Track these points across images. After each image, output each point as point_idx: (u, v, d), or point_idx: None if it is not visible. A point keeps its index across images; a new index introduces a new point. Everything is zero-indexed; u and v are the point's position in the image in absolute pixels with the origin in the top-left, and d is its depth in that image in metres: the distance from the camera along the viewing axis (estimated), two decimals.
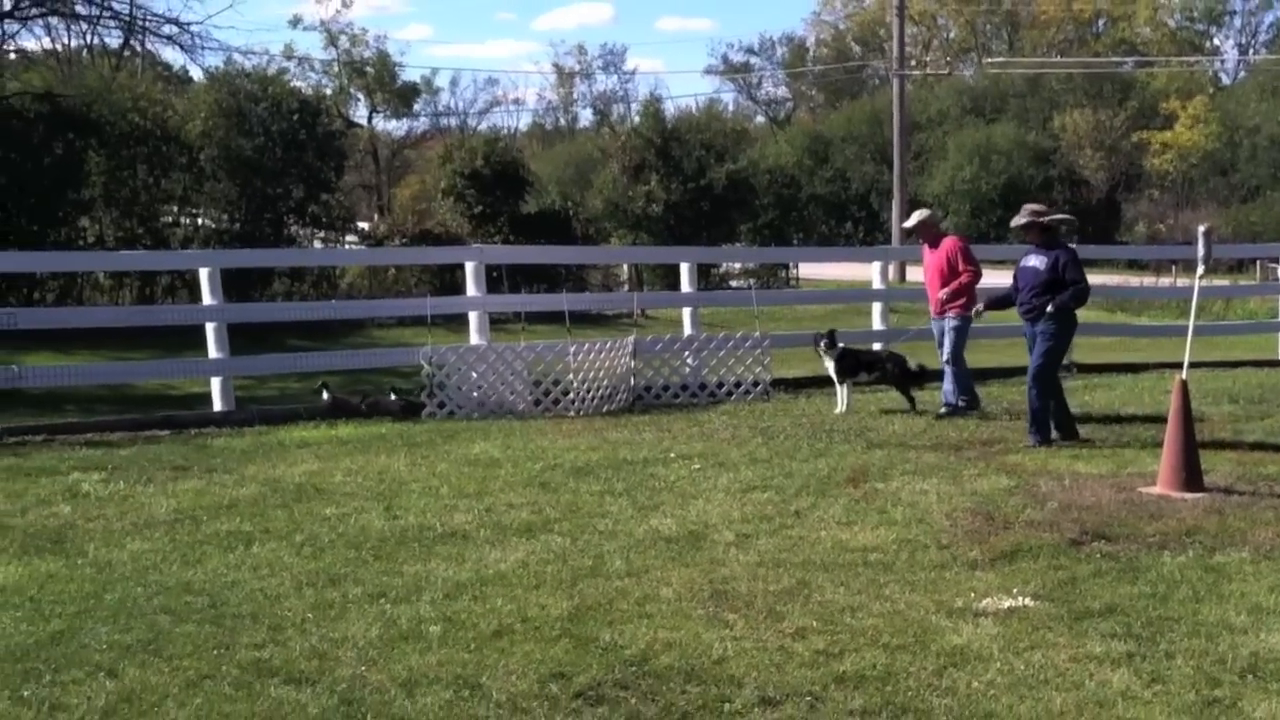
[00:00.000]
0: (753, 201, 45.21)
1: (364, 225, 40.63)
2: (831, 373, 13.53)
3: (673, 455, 10.88)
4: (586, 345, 13.99)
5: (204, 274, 13.79)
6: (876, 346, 15.27)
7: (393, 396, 13.81)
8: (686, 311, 15.93)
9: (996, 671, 5.58)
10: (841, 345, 13.63)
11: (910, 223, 13.87)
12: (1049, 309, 11.13)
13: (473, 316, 15.01)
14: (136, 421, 12.97)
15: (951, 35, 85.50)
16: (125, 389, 19.68)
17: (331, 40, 65.62)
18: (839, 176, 64.39)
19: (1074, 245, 12.23)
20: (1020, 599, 6.61)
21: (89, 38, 50.61)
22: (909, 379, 13.62)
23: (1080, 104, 62.66)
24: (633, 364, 14.18)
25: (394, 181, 67.27)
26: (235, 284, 22.89)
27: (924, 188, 58.14)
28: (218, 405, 13.62)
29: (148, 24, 23.99)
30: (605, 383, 13.84)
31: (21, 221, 29.14)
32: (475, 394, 13.59)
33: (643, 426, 12.51)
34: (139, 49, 46.13)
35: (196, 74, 41.75)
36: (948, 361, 13.13)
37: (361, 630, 6.10)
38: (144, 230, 31.42)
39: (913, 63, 59.19)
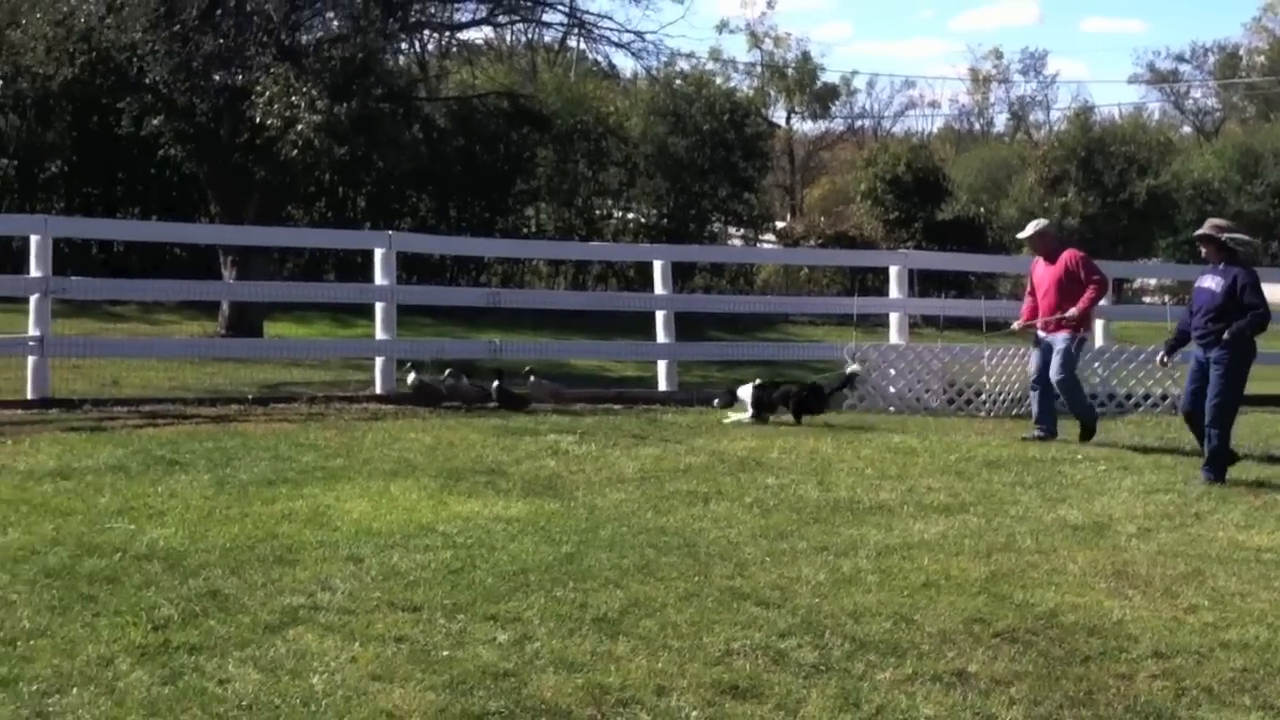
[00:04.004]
0: (1174, 217, 44.50)
1: (780, 224, 42.19)
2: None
3: (1080, 456, 11.75)
4: (1000, 350, 14.91)
5: (657, 266, 15.45)
6: None
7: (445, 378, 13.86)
8: (1099, 324, 16.60)
9: None
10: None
11: (1027, 232, 13.38)
12: (1225, 336, 10.62)
13: (894, 317, 16.13)
14: (594, 395, 14.74)
15: None
16: (564, 367, 21.66)
17: (755, 42, 67.45)
18: (1270, 193, 61.93)
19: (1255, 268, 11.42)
20: None
21: (531, 34, 53.99)
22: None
23: None
24: None
25: (807, 182, 68.72)
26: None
27: None
28: (663, 385, 15.27)
29: (602, 30, 26.05)
30: (1017, 387, 14.72)
31: (476, 208, 32.08)
32: (893, 390, 14.72)
33: None
34: (581, 48, 49.01)
35: (623, 69, 44.10)
36: (1058, 383, 12.64)
37: (811, 573, 7.37)
38: (580, 221, 33.87)
39: None
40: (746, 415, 13.29)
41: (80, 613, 6.26)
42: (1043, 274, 13.05)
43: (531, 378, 14.00)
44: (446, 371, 13.82)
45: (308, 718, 5.14)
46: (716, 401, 13.98)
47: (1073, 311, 12.64)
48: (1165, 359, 11.87)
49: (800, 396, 13.34)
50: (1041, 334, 12.95)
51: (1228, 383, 10.73)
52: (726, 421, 13.17)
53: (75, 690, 5.32)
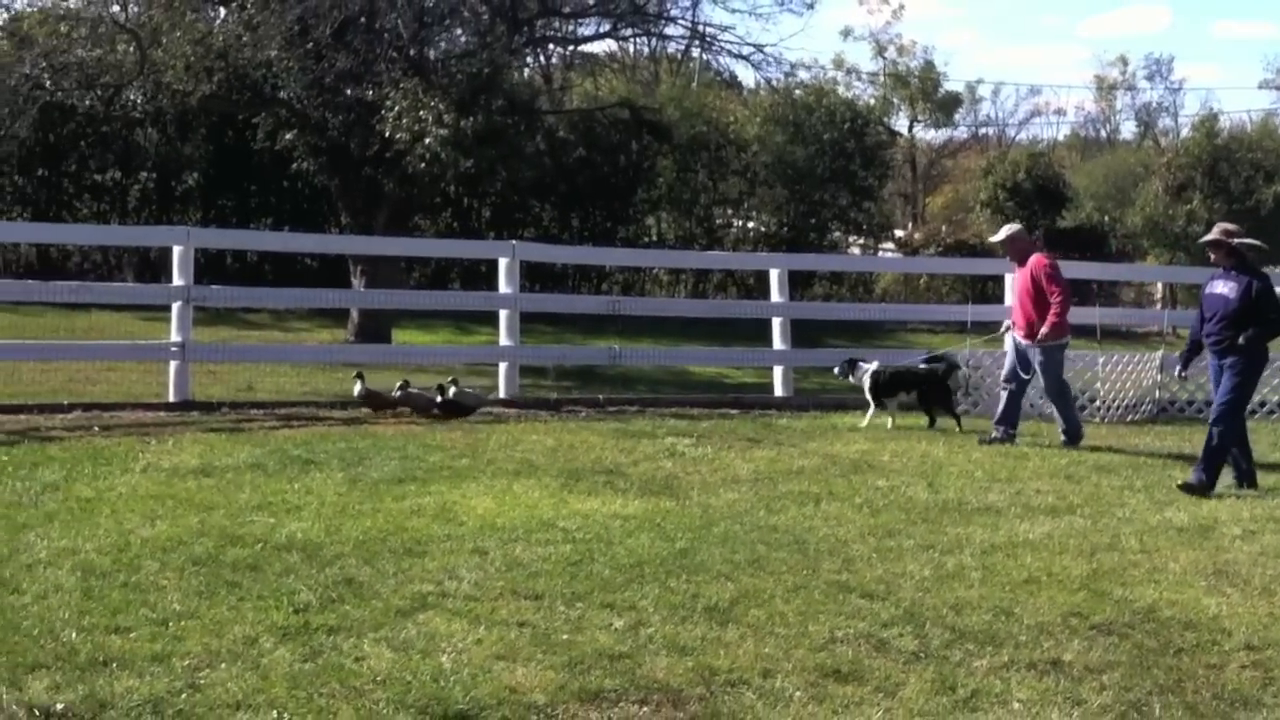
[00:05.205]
0: None
1: (899, 233, 42.19)
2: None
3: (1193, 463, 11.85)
4: (1115, 357, 15.02)
5: (774, 274, 15.76)
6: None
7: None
8: None
9: None
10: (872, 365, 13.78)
11: (999, 236, 13.38)
12: (1240, 341, 10.53)
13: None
14: (710, 400, 15.15)
15: None
16: (683, 374, 22.00)
17: (879, 50, 67.19)
18: None
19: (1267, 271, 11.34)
20: None
21: (654, 44, 54.56)
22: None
23: None
24: (1159, 378, 15.05)
25: (929, 190, 68.37)
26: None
27: None
28: (778, 391, 15.58)
29: (722, 43, 26.56)
30: (1131, 393, 14.82)
31: (597, 217, 32.69)
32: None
33: (1165, 435, 13.49)
34: (702, 59, 49.44)
35: (744, 79, 44.41)
36: (1048, 395, 12.91)
37: (916, 569, 7.65)
38: (700, 230, 34.26)
39: None
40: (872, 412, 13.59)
41: (226, 597, 6.73)
42: (1016, 279, 13.15)
43: (453, 389, 13.76)
44: (398, 383, 13.90)
45: (437, 692, 5.53)
46: (837, 370, 14.21)
47: (1044, 331, 12.65)
48: (1183, 372, 11.78)
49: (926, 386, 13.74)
50: (1018, 338, 13.02)
51: (1238, 385, 10.66)
52: (862, 425, 13.44)
53: (224, 666, 5.77)
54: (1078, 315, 18.57)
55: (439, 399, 13.52)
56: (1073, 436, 12.72)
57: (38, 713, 5.24)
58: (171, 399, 13.91)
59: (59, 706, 5.29)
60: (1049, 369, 12.82)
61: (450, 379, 14.00)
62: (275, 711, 5.31)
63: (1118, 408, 14.79)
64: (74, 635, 6.07)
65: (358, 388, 13.72)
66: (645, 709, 5.51)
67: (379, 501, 9.13)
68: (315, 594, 6.79)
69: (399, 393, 13.65)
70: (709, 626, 6.46)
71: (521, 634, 6.28)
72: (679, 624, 6.48)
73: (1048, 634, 6.52)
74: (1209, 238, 11.08)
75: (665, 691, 5.66)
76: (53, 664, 5.72)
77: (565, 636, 6.26)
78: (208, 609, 6.53)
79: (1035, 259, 12.93)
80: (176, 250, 14.37)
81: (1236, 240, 10.90)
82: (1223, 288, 10.77)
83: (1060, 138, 79.80)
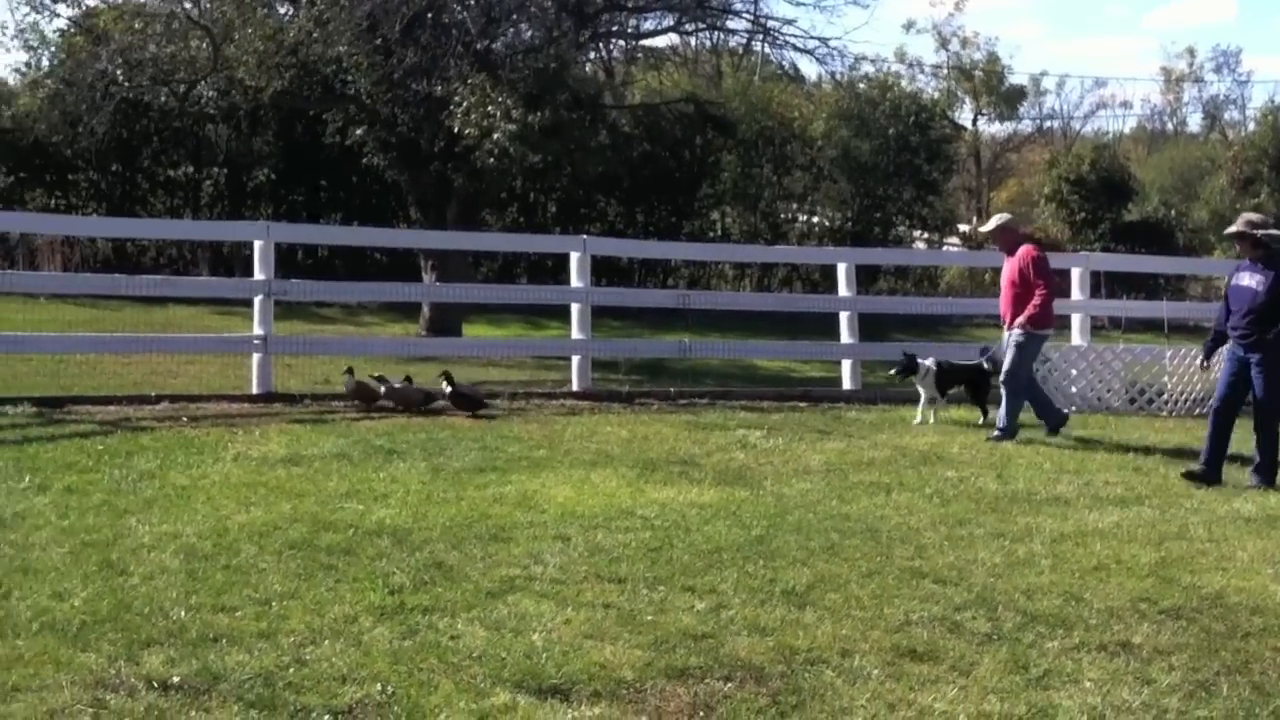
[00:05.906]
0: None
1: (964, 228, 42.15)
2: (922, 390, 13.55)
3: None
4: (1183, 351, 15.11)
5: (841, 269, 15.96)
6: None
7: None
8: None
9: None
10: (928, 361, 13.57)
11: (989, 226, 13.24)
12: (1269, 336, 10.37)
13: (1075, 319, 16.36)
14: (779, 393, 15.33)
15: None
16: (750, 368, 22.25)
17: (942, 43, 67.04)
18: None
19: None
20: None
21: (716, 38, 54.73)
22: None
23: None
24: None
25: (994, 184, 68.13)
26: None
27: None
28: (847, 384, 15.78)
29: (786, 37, 26.72)
30: (1199, 387, 14.91)
31: (663, 212, 32.95)
32: (1074, 389, 15.00)
33: (1235, 427, 13.53)
34: (765, 52, 49.60)
35: (808, 74, 44.44)
36: (1004, 381, 12.63)
37: (987, 556, 7.86)
38: (765, 225, 34.43)
39: None
40: (927, 400, 13.55)
41: (323, 579, 7.03)
42: (1005, 269, 12.98)
43: (446, 385, 13.56)
44: (376, 375, 13.78)
45: (531, 667, 5.80)
46: (894, 371, 14.13)
47: (1020, 319, 12.58)
48: (1205, 363, 11.64)
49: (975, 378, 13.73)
50: (1006, 330, 12.93)
51: (1272, 384, 10.52)
52: (915, 423, 13.52)
53: (327, 642, 6.06)
54: (1146, 310, 18.68)
55: (448, 391, 13.46)
56: (1008, 432, 12.49)
57: (156, 684, 5.54)
58: (255, 391, 14.24)
59: (175, 679, 5.60)
60: (1019, 357, 12.64)
61: (442, 372, 13.87)
62: (379, 684, 5.59)
63: (1185, 401, 14.90)
64: (182, 614, 6.38)
65: (347, 381, 13.75)
66: (730, 685, 5.75)
67: (462, 490, 9.42)
68: (408, 576, 7.09)
69: (383, 387, 13.68)
70: (788, 609, 6.70)
71: (607, 615, 6.54)
72: (758, 606, 6.73)
73: (1117, 618, 6.72)
74: (1232, 229, 10.94)
75: (748, 669, 5.91)
76: (165, 640, 6.03)
77: (650, 617, 6.51)
78: (307, 590, 6.84)
79: (1024, 250, 12.79)
80: (257, 245, 14.64)
81: (1261, 232, 10.67)
82: (1249, 280, 10.62)
83: (1126, 130, 79.32)
